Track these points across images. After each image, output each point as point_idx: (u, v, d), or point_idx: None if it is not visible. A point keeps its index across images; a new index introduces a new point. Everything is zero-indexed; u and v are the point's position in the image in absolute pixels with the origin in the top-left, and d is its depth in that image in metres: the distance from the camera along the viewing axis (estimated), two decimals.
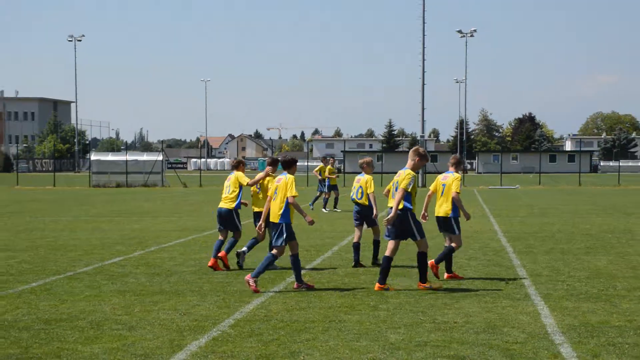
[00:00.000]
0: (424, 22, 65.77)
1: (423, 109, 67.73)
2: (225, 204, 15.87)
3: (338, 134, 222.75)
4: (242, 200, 15.97)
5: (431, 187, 14.57)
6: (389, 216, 12.72)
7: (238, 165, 16.54)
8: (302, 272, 13.27)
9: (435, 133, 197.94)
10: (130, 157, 67.59)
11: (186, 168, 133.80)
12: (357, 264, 15.72)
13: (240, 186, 15.77)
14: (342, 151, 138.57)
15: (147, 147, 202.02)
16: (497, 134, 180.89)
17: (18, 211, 33.67)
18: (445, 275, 14.20)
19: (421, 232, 12.98)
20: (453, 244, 14.15)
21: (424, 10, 65.55)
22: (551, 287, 13.06)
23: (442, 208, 14.16)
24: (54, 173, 74.18)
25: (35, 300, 12.12)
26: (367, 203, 15.94)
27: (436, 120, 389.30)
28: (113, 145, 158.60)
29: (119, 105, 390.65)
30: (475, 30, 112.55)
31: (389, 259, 12.91)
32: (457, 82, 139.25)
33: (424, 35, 65.79)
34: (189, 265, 15.95)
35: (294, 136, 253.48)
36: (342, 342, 9.27)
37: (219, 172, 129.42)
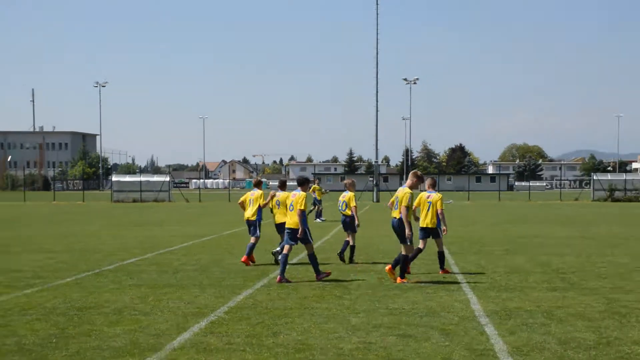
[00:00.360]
0: (377, 73, 66.10)
1: (377, 140, 68.04)
2: (250, 217, 16.27)
3: (309, 159, 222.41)
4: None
5: (415, 203, 13.99)
6: (407, 233, 12.85)
7: (258, 184, 16.94)
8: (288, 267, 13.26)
9: (387, 159, 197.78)
10: (143, 178, 68.03)
11: (188, 187, 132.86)
12: (340, 255, 16.03)
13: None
14: (312, 173, 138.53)
15: (157, 170, 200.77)
16: (435, 160, 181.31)
17: (55, 221, 33.42)
18: (440, 271, 14.27)
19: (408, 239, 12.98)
20: (439, 248, 14.34)
21: (377, 64, 65.90)
22: (478, 281, 13.14)
23: (428, 220, 13.95)
24: (83, 191, 73.72)
25: (69, 292, 12.05)
26: (349, 213, 16.11)
27: (387, 149, 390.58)
28: (130, 169, 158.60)
29: (135, 137, 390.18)
30: (417, 79, 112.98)
31: (406, 257, 13.11)
32: (404, 119, 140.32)
33: (377, 82, 66.09)
34: (191, 264, 15.89)
35: (274, 161, 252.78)
36: (314, 325, 9.28)
37: (214, 190, 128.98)
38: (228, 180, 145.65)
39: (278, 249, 15.62)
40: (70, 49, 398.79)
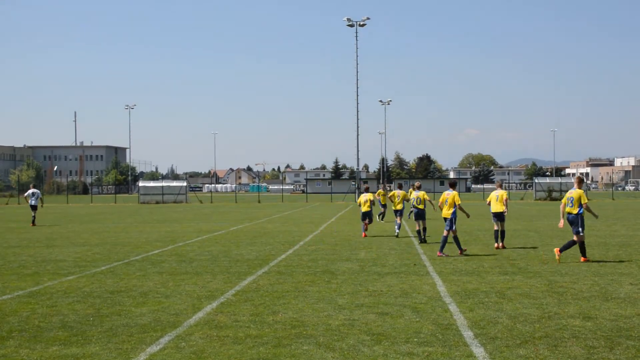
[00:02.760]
0: (357, 95, 66.13)
1: (358, 150, 68.31)
2: (365, 208, 20.63)
3: (302, 167, 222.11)
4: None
5: (440, 200, 15.41)
6: (453, 225, 14.95)
7: (367, 189, 21.97)
8: (287, 256, 13.17)
9: (366, 166, 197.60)
10: (165, 183, 67.97)
11: (202, 191, 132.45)
12: (421, 238, 18.29)
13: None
14: (305, 179, 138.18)
15: (176, 177, 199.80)
16: (406, 167, 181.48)
17: (92, 220, 33.20)
18: (459, 251, 15.18)
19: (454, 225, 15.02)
20: (445, 234, 15.12)
21: (357, 88, 65.98)
22: (443, 267, 13.10)
23: (449, 212, 15.02)
24: (115, 195, 73.57)
25: (103, 278, 11.93)
26: (422, 207, 18.29)
27: (367, 158, 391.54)
28: (154, 176, 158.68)
29: (158, 149, 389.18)
30: (390, 100, 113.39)
31: (445, 238, 14.99)
32: (380, 133, 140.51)
33: (357, 103, 66.16)
34: (204, 254, 15.77)
35: (273, 169, 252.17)
36: (307, 305, 9.20)
37: (223, 193, 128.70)
38: (235, 185, 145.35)
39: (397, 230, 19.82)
40: (105, 75, 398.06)
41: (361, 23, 64.60)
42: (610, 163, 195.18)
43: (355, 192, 66.10)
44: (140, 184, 69.38)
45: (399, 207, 20.53)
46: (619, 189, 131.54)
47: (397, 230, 19.93)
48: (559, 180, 67.21)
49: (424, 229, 18.48)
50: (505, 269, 12.62)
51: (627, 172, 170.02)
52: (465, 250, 15.37)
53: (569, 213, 13.73)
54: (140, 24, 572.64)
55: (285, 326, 7.89)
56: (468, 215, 16.71)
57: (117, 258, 15.26)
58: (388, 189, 26.14)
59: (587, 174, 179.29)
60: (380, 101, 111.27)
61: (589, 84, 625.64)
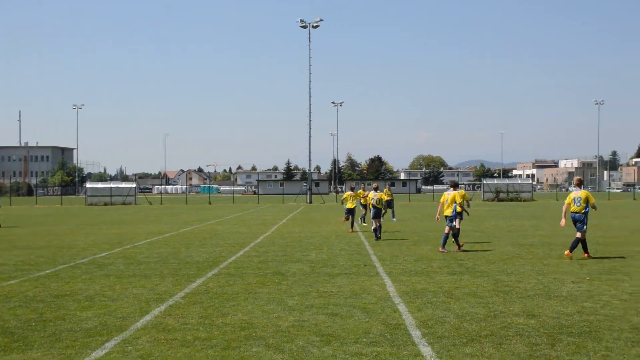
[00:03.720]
0: (310, 97, 66.27)
1: (310, 151, 68.22)
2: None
3: (254, 168, 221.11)
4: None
5: (441, 200, 16.32)
6: (457, 221, 16.02)
7: (353, 188, 24.95)
8: (235, 258, 13.09)
9: (318, 168, 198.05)
10: (113, 185, 67.23)
11: (151, 192, 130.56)
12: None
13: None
14: (257, 180, 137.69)
15: (125, 178, 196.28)
16: (357, 168, 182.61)
17: (37, 222, 32.36)
18: (456, 247, 16.14)
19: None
20: (446, 231, 16.03)
21: (310, 88, 66.13)
22: (392, 267, 13.21)
23: (449, 210, 15.86)
24: (61, 196, 71.94)
25: (47, 282, 11.64)
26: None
27: (318, 159, 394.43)
28: (102, 177, 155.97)
29: (107, 150, 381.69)
30: (343, 102, 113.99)
31: (447, 235, 15.87)
32: (332, 134, 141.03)
33: (310, 105, 66.29)
34: (153, 257, 15.55)
35: (224, 170, 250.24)
36: (257, 306, 9.16)
37: (174, 194, 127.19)
38: (185, 187, 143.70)
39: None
40: (50, 75, 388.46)
41: (314, 25, 64.77)
42: (555, 165, 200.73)
43: (307, 193, 66.13)
44: (88, 185, 68.12)
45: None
46: (563, 189, 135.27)
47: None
48: (506, 181, 68.77)
49: (380, 227, 19.51)
50: (453, 269, 12.82)
51: (570, 174, 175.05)
52: (462, 245, 16.36)
53: (576, 212, 14.46)
54: (88, 22, 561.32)
55: (235, 328, 7.85)
56: (468, 213, 17.33)
57: (63, 261, 14.89)
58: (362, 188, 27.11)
59: (533, 175, 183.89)
60: (333, 102, 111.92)
61: (536, 87, 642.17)
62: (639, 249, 16.36)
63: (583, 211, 14.36)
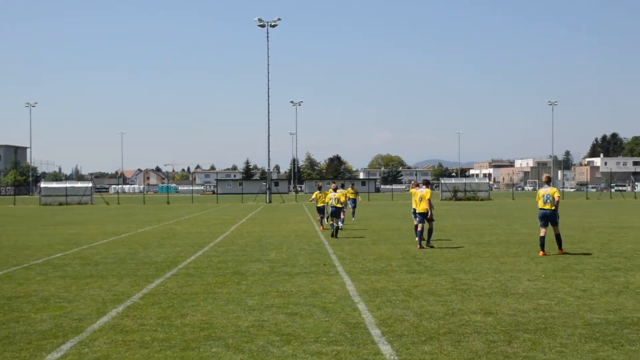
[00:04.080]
0: (268, 97, 66.14)
1: (269, 151, 68.01)
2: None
3: (213, 167, 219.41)
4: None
5: (414, 197, 16.89)
6: (430, 214, 16.40)
7: (320, 187, 24.93)
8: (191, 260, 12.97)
9: (277, 167, 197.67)
10: (69, 184, 65.98)
11: (108, 192, 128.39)
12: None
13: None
14: (216, 179, 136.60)
15: (80, 177, 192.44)
16: (317, 167, 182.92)
17: None
18: (425, 244, 16.73)
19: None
20: (430, 226, 16.74)
21: (268, 88, 66.01)
22: (352, 266, 13.27)
23: (422, 206, 16.48)
24: (14, 196, 70.25)
25: (0, 284, 11.33)
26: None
27: (278, 158, 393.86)
28: (57, 176, 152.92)
29: (62, 149, 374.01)
30: (302, 101, 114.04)
31: (420, 229, 16.51)
32: (291, 134, 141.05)
33: (268, 104, 66.16)
34: (110, 257, 15.31)
35: (183, 169, 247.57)
36: (216, 307, 9.10)
37: (131, 194, 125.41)
38: (143, 186, 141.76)
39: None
40: (1, 72, 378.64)
41: (272, 24, 64.63)
42: (511, 164, 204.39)
43: (266, 193, 65.96)
44: (42, 185, 66.68)
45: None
46: (519, 189, 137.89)
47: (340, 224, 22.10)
48: (464, 180, 69.84)
49: (338, 226, 20.40)
50: (412, 268, 12.94)
51: (526, 173, 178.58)
52: (422, 242, 16.74)
53: (546, 209, 14.76)
54: (41, 17, 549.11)
55: (194, 329, 7.78)
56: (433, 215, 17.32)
57: (16, 262, 14.54)
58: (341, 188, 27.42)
59: (489, 174, 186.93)
60: (292, 102, 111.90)
61: (492, 88, 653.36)
62: (592, 247, 16.79)
63: (553, 207, 14.66)
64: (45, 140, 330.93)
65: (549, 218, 14.74)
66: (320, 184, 27.03)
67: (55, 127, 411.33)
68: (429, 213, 16.48)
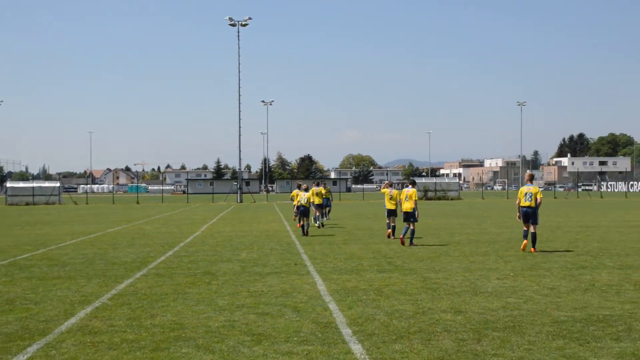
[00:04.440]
0: (239, 96, 65.88)
1: (240, 151, 67.79)
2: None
3: (183, 167, 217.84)
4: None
5: (401, 196, 17.26)
6: (417, 214, 16.75)
7: (307, 189, 22.94)
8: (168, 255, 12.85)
9: (248, 167, 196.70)
10: (36, 184, 64.91)
11: (77, 191, 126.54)
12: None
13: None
14: (186, 179, 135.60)
15: (48, 177, 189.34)
16: (288, 167, 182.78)
17: None
18: (408, 243, 16.96)
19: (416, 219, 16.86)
20: (412, 227, 16.90)
21: (239, 87, 65.75)
22: (323, 266, 13.29)
23: (407, 205, 16.78)
24: None
25: None
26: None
27: (249, 158, 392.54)
28: (23, 176, 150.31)
29: (28, 148, 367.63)
30: (273, 101, 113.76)
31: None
32: (262, 133, 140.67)
33: (239, 104, 65.92)
34: (78, 258, 15.09)
35: (153, 169, 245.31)
36: (186, 307, 9.04)
37: (100, 194, 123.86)
38: (112, 186, 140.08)
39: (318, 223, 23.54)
40: None
41: (243, 23, 64.41)
42: (481, 164, 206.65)
43: (237, 192, 65.71)
44: (8, 184, 65.48)
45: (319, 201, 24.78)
46: (488, 188, 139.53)
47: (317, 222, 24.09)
48: (434, 180, 70.40)
49: (308, 225, 20.92)
50: (383, 267, 13.00)
51: (495, 173, 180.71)
52: (400, 240, 17.02)
53: (527, 207, 14.94)
54: (6, 14, 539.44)
55: (164, 329, 7.71)
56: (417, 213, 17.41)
57: None
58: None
59: (459, 174, 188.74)
60: (263, 101, 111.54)
61: (461, 88, 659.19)
62: (559, 245, 17.06)
63: (535, 205, 14.87)
64: (11, 140, 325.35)
65: (530, 216, 14.98)
66: (305, 185, 26.43)
67: (22, 126, 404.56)
68: (416, 213, 16.78)
